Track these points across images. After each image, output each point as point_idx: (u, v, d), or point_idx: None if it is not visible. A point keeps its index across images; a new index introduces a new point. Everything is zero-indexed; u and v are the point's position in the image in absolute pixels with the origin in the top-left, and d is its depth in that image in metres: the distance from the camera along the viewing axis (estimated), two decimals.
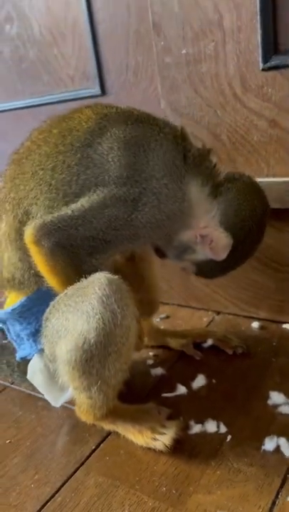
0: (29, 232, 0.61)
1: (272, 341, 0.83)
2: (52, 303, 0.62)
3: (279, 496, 0.53)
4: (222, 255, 0.65)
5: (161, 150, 0.61)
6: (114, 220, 0.60)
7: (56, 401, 0.70)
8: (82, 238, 0.60)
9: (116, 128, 0.62)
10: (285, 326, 0.86)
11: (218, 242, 0.64)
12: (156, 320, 0.93)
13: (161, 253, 0.71)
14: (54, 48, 0.99)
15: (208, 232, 0.64)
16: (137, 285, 0.72)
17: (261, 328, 0.87)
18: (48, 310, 0.63)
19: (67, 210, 0.61)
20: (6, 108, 1.13)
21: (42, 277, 0.63)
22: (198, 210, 0.64)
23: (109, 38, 0.90)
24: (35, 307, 0.67)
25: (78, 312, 0.58)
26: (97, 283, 0.58)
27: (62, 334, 0.60)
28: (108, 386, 0.61)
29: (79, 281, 0.60)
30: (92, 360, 0.58)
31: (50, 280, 0.62)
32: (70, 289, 0.60)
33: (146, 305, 0.80)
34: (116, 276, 0.58)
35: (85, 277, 0.59)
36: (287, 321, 0.87)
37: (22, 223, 0.64)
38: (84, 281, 0.59)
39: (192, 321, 0.94)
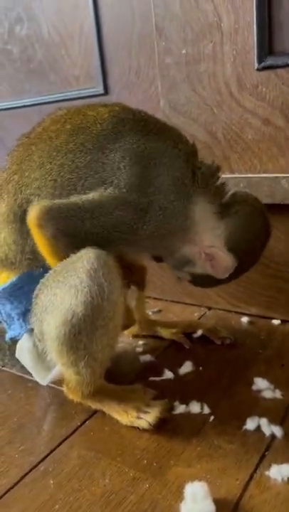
0: (34, 214, 0.61)
1: (261, 335, 0.84)
2: (41, 280, 0.64)
3: (257, 471, 0.54)
4: (223, 275, 0.67)
5: (172, 167, 0.63)
6: (120, 223, 0.62)
7: (43, 379, 0.72)
8: (87, 233, 0.61)
9: (130, 137, 0.63)
10: (273, 321, 0.88)
11: (221, 263, 0.66)
12: (148, 313, 0.95)
13: (158, 258, 0.73)
14: (61, 49, 1.03)
15: (214, 252, 0.66)
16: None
17: (250, 323, 0.89)
18: (37, 287, 0.64)
19: (77, 200, 0.61)
20: (13, 106, 1.17)
21: (34, 261, 0.65)
22: (202, 228, 0.66)
23: (113, 39, 0.95)
24: (26, 286, 0.68)
25: (66, 286, 0.59)
26: (86, 257, 0.59)
27: (50, 310, 0.61)
28: (95, 361, 0.62)
29: None
30: (80, 334, 0.60)
31: (51, 262, 0.63)
32: (59, 265, 0.62)
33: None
34: (104, 252, 0.60)
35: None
36: (276, 316, 0.89)
37: (21, 208, 0.66)
38: (73, 257, 0.61)
39: (184, 316, 0.96)
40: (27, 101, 1.14)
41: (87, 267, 0.58)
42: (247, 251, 0.67)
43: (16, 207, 0.66)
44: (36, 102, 1.12)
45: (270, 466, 0.54)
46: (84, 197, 0.62)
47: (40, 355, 0.67)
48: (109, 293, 0.58)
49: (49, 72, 1.08)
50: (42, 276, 0.65)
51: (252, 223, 0.67)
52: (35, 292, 0.65)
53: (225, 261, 0.66)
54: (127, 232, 0.62)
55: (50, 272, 0.63)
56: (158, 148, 0.63)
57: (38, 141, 0.67)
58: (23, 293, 0.69)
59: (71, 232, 0.61)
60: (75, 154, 0.64)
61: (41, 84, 1.10)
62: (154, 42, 0.87)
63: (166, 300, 1.02)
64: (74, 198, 0.61)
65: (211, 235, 0.66)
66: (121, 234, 0.62)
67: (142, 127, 0.64)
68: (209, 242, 0.66)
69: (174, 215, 0.63)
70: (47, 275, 0.64)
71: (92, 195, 0.61)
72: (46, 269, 0.64)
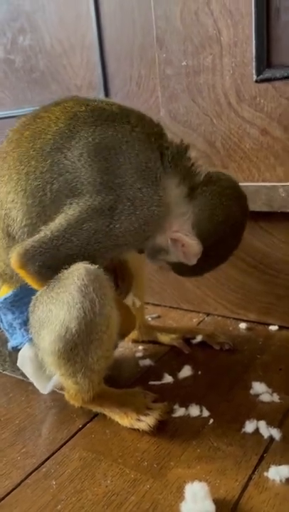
0: (13, 259, 0.62)
1: (259, 340, 0.86)
2: (35, 296, 0.64)
3: (256, 472, 0.55)
4: (192, 261, 0.65)
5: (133, 152, 0.61)
6: (93, 233, 0.60)
7: (44, 388, 0.72)
8: (66, 256, 0.61)
9: (85, 131, 0.62)
10: (271, 327, 0.89)
11: (189, 248, 0.64)
12: (148, 319, 0.96)
13: (140, 249, 0.71)
14: (63, 59, 1.05)
15: (179, 237, 0.64)
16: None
17: (248, 329, 0.90)
18: (32, 303, 0.64)
19: (46, 232, 0.61)
20: (15, 114, 1.18)
21: None
22: (174, 212, 0.64)
23: (115, 51, 0.97)
24: (28, 297, 0.67)
25: (60, 303, 0.60)
26: (76, 273, 0.59)
27: (46, 325, 0.62)
28: (92, 372, 0.63)
29: None
30: (76, 348, 0.60)
31: None
32: (51, 282, 0.62)
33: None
34: (95, 266, 0.59)
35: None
36: (273, 322, 0.90)
37: (5, 224, 0.66)
38: (64, 273, 0.60)
39: (182, 322, 0.97)
40: (29, 110, 1.14)
41: (78, 283, 0.58)
42: (214, 234, 0.64)
43: (2, 223, 0.66)
44: None
45: (268, 467, 0.55)
46: (52, 225, 0.61)
47: (41, 365, 0.68)
48: (101, 307, 0.59)
49: (51, 81, 1.10)
50: None
51: (219, 203, 0.64)
52: (31, 308, 0.65)
53: (191, 246, 0.64)
54: (105, 239, 0.61)
55: (44, 287, 0.63)
56: (115, 136, 0.61)
57: (4, 155, 0.67)
58: (24, 303, 0.69)
59: (52, 262, 0.61)
60: (37, 160, 0.63)
61: (43, 94, 1.12)
62: (154, 53, 0.89)
63: (165, 306, 1.03)
64: (43, 231, 0.61)
65: (180, 219, 0.64)
66: (98, 244, 0.61)
67: (96, 117, 0.62)
68: (177, 227, 0.64)
69: (144, 203, 0.60)
70: (40, 291, 0.63)
71: (58, 221, 0.61)
72: None
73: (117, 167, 0.60)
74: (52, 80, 1.09)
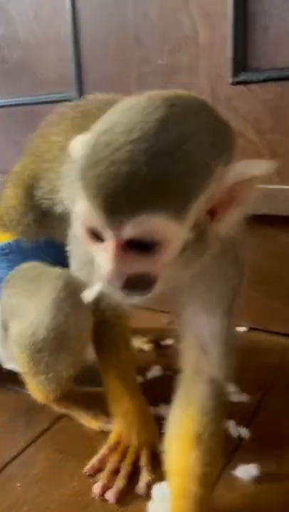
0: None
1: None
2: (12, 273, 0.62)
3: (225, 471, 0.55)
4: None
5: None
6: None
7: (8, 361, 0.68)
8: None
9: None
10: (239, 329, 0.90)
11: None
12: None
13: None
14: (37, 52, 1.03)
15: None
16: None
17: None
18: (7, 278, 0.63)
19: None
20: None
21: (29, 232, 0.65)
22: None
23: (90, 46, 0.96)
24: (12, 255, 0.65)
25: (32, 303, 0.57)
26: (54, 283, 0.56)
27: (16, 315, 0.60)
28: (59, 378, 0.59)
29: None
30: (42, 351, 0.57)
31: None
32: (31, 271, 0.61)
33: None
34: (75, 278, 0.56)
35: None
36: (242, 324, 0.91)
37: (30, 178, 0.65)
38: (45, 272, 0.59)
39: (151, 322, 0.96)
40: None
41: (52, 295, 0.55)
42: None
43: (26, 176, 0.66)
44: (7, 104, 1.11)
45: (237, 466, 0.55)
46: None
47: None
48: (76, 322, 0.56)
49: (23, 74, 1.07)
50: (31, 251, 0.64)
51: None
52: (5, 282, 0.63)
53: None
54: None
55: (23, 268, 0.62)
56: None
57: (60, 120, 0.67)
58: (6, 260, 0.66)
59: None
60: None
61: (14, 86, 1.10)
62: (131, 51, 0.88)
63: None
64: None
65: None
66: None
67: None
68: None
69: None
70: (18, 270, 0.62)
71: None
72: (38, 245, 0.65)
73: None
74: (24, 72, 1.07)
